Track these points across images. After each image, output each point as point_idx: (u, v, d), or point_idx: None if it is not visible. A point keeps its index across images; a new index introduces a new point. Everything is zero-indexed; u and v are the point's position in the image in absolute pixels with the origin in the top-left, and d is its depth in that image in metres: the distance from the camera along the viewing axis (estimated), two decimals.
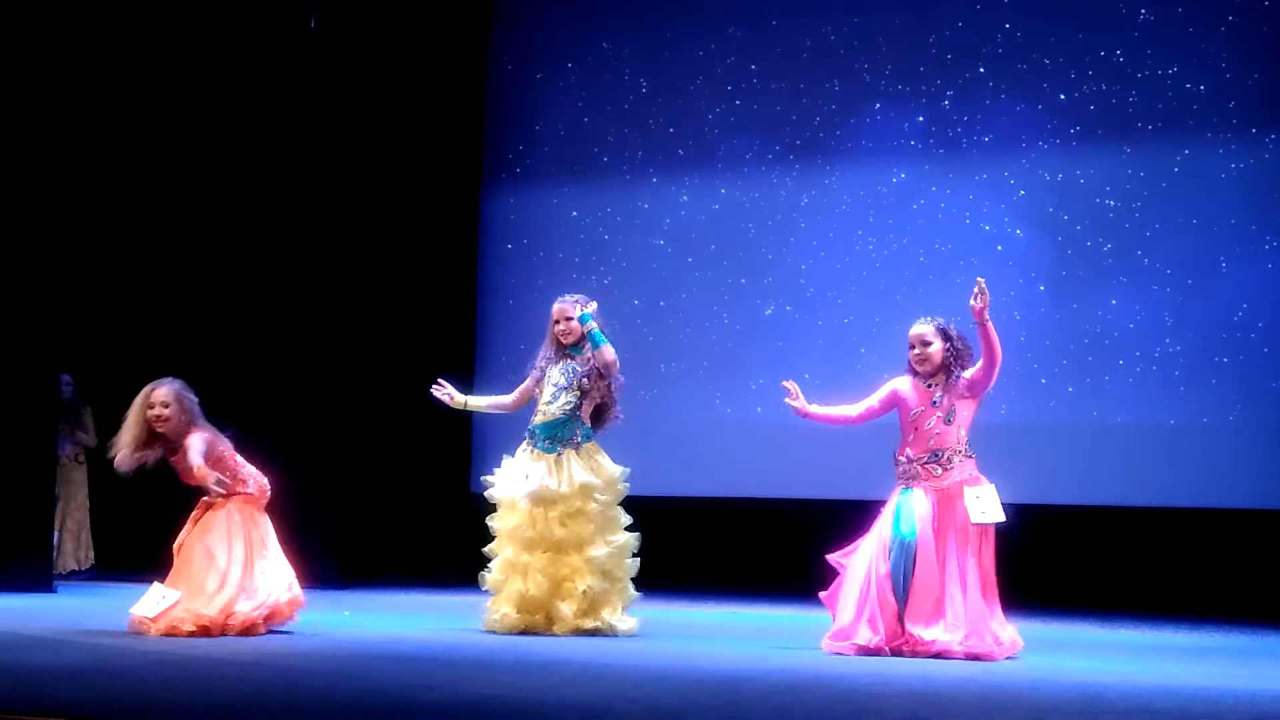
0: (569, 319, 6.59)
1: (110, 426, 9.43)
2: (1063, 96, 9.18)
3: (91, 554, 9.82)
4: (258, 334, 9.90)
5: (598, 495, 6.45)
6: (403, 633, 6.55)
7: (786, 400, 6.28)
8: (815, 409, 6.28)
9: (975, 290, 5.84)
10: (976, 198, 9.35)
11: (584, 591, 6.36)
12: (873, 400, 6.20)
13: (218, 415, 6.59)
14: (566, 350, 6.62)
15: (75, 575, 9.62)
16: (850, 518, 9.25)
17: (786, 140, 9.80)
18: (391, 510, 9.98)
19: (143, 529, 10.28)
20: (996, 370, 5.97)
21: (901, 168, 9.52)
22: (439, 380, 6.86)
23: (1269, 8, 8.77)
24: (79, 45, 8.94)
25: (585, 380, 6.51)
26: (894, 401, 6.13)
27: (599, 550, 6.40)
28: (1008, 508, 6.13)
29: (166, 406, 6.24)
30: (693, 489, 9.70)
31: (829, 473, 9.34)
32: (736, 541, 9.63)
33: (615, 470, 6.55)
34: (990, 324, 5.87)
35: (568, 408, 6.51)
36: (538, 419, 6.57)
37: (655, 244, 10.08)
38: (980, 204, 9.34)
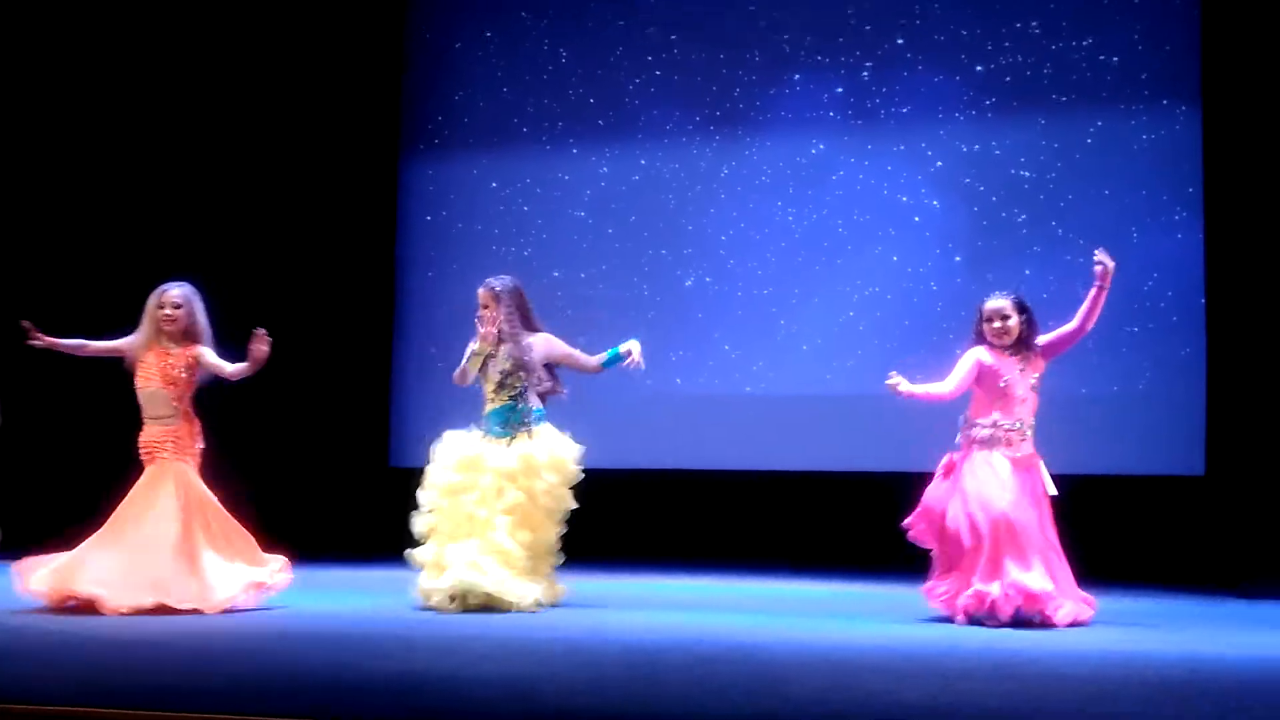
0: (485, 307, 6.56)
1: (11, 405, 9.18)
2: (979, 68, 9.26)
3: None
4: None
5: (545, 474, 6.45)
6: (321, 609, 6.51)
7: (888, 383, 6.09)
8: (913, 389, 6.12)
9: (1101, 261, 6.06)
10: (894, 169, 9.40)
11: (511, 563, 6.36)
12: (961, 375, 6.16)
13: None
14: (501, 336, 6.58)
15: None
16: (767, 488, 9.38)
17: (706, 111, 9.80)
18: (310, 485, 9.89)
19: (50, 506, 10.13)
20: (1080, 339, 6.18)
21: (820, 139, 9.56)
22: None
23: None
24: None
25: (526, 367, 6.51)
26: (981, 372, 6.18)
27: (524, 535, 6.42)
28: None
29: (178, 308, 6.36)
30: (612, 461, 9.61)
31: (747, 444, 9.39)
32: (655, 513, 9.65)
33: (566, 451, 6.53)
34: (1105, 292, 6.08)
35: (514, 393, 6.52)
36: (486, 407, 6.59)
37: (575, 215, 10.04)
38: (898, 175, 9.40)
